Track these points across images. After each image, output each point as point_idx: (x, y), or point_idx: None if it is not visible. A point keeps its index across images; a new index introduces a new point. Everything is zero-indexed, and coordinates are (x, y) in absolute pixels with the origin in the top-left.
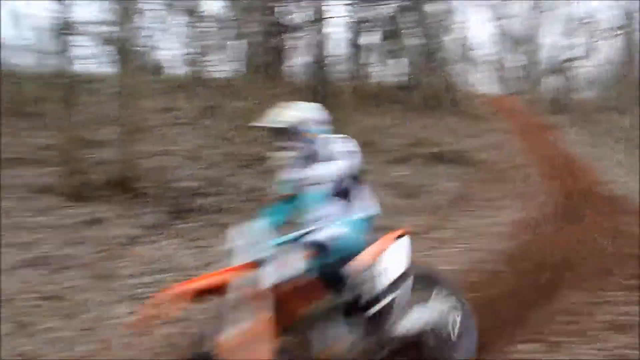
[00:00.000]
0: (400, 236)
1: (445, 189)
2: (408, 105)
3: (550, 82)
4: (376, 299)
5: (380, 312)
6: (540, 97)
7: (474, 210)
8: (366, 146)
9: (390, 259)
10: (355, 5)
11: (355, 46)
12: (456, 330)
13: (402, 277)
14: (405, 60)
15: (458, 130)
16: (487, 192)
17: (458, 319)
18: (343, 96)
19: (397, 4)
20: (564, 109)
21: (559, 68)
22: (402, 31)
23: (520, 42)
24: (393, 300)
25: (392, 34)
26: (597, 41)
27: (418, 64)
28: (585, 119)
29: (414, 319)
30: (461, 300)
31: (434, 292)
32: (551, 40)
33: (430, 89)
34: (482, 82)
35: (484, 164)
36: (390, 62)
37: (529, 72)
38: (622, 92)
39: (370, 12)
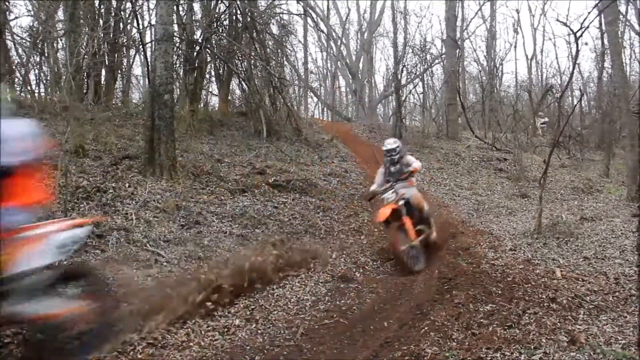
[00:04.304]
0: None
1: (291, 219)
2: (249, 133)
3: (387, 109)
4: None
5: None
6: (378, 123)
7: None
8: (205, 175)
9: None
10: (189, 26)
11: (192, 69)
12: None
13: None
14: (244, 86)
15: (300, 159)
16: (331, 223)
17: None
18: (180, 121)
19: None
20: (402, 135)
21: (392, 94)
22: (239, 54)
23: (354, 67)
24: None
25: (229, 57)
26: (426, 68)
27: (257, 89)
28: (422, 145)
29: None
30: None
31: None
32: (385, 66)
33: (271, 116)
34: (319, 108)
35: (328, 192)
36: (230, 87)
37: (364, 97)
38: (451, 119)
39: (205, 34)
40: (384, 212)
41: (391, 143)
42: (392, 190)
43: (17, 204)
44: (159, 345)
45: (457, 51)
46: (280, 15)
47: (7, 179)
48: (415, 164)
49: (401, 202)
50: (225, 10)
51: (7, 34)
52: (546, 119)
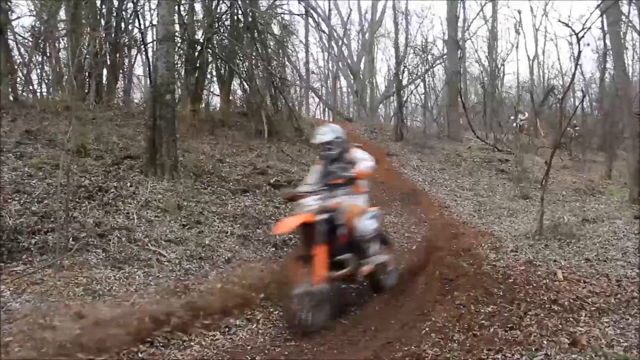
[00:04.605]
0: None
1: None
2: (250, 133)
3: (388, 109)
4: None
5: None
6: (379, 123)
7: None
8: (207, 175)
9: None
10: (190, 26)
11: (193, 69)
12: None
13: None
14: (245, 86)
15: (302, 159)
16: None
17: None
18: (181, 121)
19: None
20: (403, 136)
21: (393, 95)
22: (241, 54)
23: (356, 67)
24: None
25: (230, 57)
26: (427, 69)
27: (259, 89)
28: (423, 145)
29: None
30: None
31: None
32: (386, 67)
33: (273, 116)
34: (320, 108)
35: None
36: (231, 87)
37: (365, 98)
38: (453, 120)
39: (206, 34)
40: (288, 223)
41: (325, 133)
42: (320, 196)
43: None
44: (160, 345)
45: (459, 52)
46: (282, 15)
47: None
48: (363, 164)
49: (322, 216)
50: (226, 11)
51: (9, 33)
52: (526, 115)
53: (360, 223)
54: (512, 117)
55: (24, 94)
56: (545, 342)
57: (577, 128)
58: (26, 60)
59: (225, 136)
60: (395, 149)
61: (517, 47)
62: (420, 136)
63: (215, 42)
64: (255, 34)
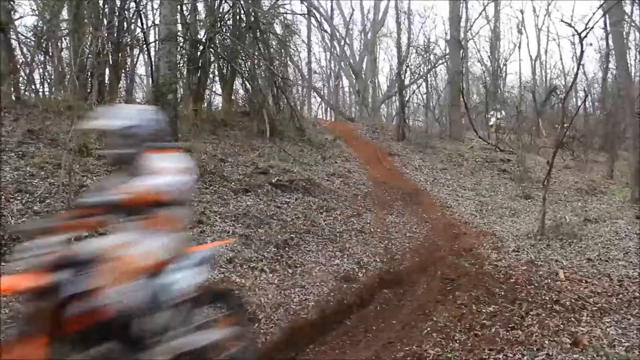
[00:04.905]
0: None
1: (294, 218)
2: (252, 132)
3: (390, 109)
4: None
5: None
6: (381, 123)
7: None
8: (209, 175)
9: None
10: (192, 26)
11: (195, 69)
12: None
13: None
14: (247, 86)
15: (303, 158)
16: (334, 223)
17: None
18: (184, 121)
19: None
20: (405, 135)
21: (395, 94)
22: (243, 54)
23: (358, 67)
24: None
25: (232, 57)
26: (429, 68)
27: (261, 89)
28: (425, 145)
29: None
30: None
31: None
32: (388, 67)
33: (275, 116)
34: (322, 108)
35: (331, 192)
36: (233, 86)
37: (367, 98)
38: (455, 120)
39: (208, 34)
40: None
41: (105, 116)
42: (66, 236)
43: None
44: None
45: (461, 51)
46: (284, 15)
47: None
48: (152, 180)
49: (50, 278)
50: (229, 10)
51: (11, 33)
52: (503, 114)
53: (148, 286)
54: (489, 116)
55: (26, 93)
56: (546, 342)
57: (566, 125)
58: (28, 59)
59: (227, 136)
60: (397, 149)
61: (519, 47)
62: (422, 136)
63: (217, 41)
64: (258, 34)
